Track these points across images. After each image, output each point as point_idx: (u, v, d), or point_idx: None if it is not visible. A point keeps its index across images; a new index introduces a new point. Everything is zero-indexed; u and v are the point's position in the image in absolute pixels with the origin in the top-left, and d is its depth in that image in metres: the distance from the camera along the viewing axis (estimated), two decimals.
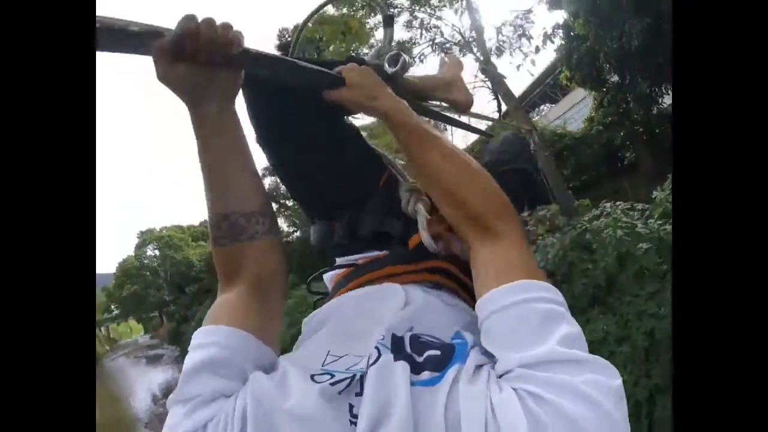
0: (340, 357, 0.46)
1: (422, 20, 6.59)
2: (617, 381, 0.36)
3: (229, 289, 0.52)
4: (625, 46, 4.95)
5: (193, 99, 0.49)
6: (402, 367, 0.40)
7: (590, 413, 0.34)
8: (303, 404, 0.38)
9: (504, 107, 6.59)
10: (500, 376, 0.39)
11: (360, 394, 0.39)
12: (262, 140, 0.70)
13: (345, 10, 6.81)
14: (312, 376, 0.41)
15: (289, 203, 13.99)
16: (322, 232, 0.72)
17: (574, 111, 11.21)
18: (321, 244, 0.73)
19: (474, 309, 0.51)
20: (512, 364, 0.39)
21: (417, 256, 0.62)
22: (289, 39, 10.63)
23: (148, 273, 26.70)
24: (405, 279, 0.60)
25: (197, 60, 0.46)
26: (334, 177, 0.69)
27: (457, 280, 0.62)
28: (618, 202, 3.76)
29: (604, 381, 0.36)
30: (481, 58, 5.95)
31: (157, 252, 26.55)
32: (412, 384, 0.38)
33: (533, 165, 1.01)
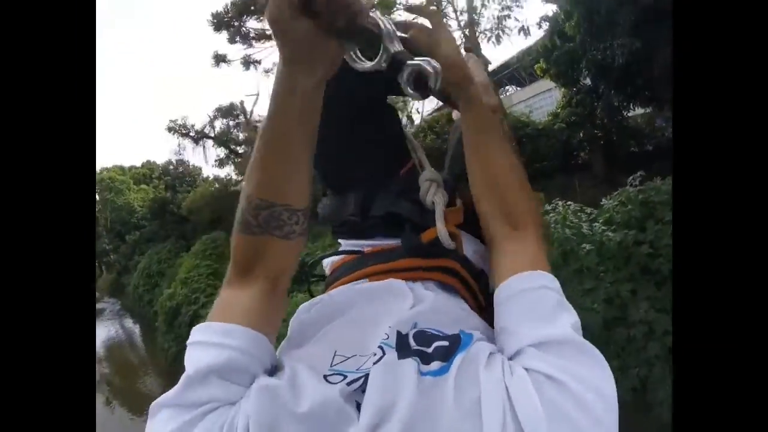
0: (348, 357, 0.45)
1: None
2: (609, 371, 0.39)
3: (245, 284, 0.49)
4: (608, 59, 5.06)
5: (300, 62, 0.43)
6: (409, 365, 0.40)
7: (601, 404, 0.36)
8: (322, 407, 0.37)
9: None
10: (512, 356, 0.42)
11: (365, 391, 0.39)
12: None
13: None
14: (325, 377, 0.41)
15: (240, 150, 13.32)
16: (333, 206, 0.71)
17: (538, 99, 11.48)
18: (330, 218, 0.71)
19: (477, 313, 0.56)
20: (529, 340, 0.41)
21: (431, 251, 0.60)
22: None
23: None
24: (416, 275, 0.58)
25: (324, 22, 0.40)
26: (359, 148, 0.68)
27: (466, 284, 0.61)
28: (569, 203, 3.96)
29: (605, 369, 0.39)
30: (467, 34, 5.82)
31: (96, 195, 24.50)
32: (423, 374, 0.39)
33: None
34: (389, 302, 0.54)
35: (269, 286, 0.49)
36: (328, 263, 0.69)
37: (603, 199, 3.92)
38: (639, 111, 6.96)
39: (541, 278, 0.47)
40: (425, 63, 0.46)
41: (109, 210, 21.77)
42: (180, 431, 0.36)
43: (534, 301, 0.45)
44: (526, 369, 0.38)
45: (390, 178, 0.68)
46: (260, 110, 12.72)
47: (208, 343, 0.42)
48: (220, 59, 10.19)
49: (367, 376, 0.39)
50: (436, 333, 0.46)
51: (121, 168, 25.02)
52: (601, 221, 3.63)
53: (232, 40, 9.51)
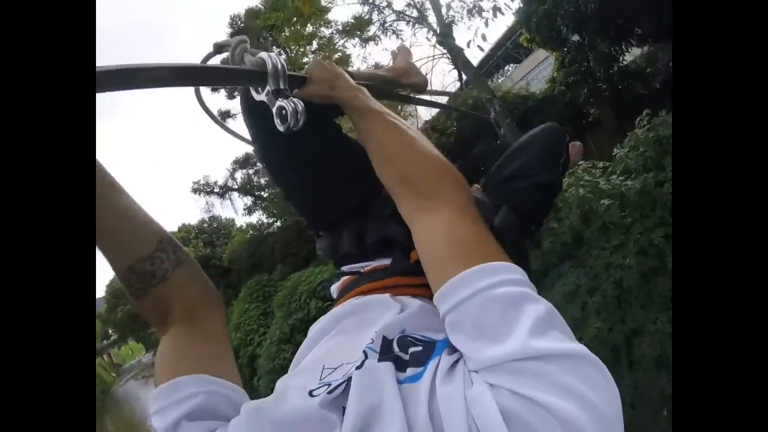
0: (336, 368, 0.45)
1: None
2: (602, 374, 0.33)
3: (169, 334, 0.51)
4: (582, 8, 4.97)
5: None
6: (386, 368, 0.38)
7: (583, 413, 0.30)
8: (303, 421, 0.37)
9: (465, 77, 6.58)
10: (471, 372, 0.37)
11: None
12: (262, 159, 0.74)
13: None
14: (310, 392, 0.40)
15: (264, 194, 13.87)
16: (328, 244, 0.74)
17: (538, 71, 11.27)
18: (329, 256, 0.74)
19: None
20: (482, 363, 0.36)
21: (418, 270, 0.56)
22: (242, 25, 10.27)
23: None
24: (405, 291, 0.59)
25: None
26: (333, 186, 0.71)
27: None
28: (580, 162, 3.87)
29: (590, 374, 0.33)
30: (438, 30, 5.88)
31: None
32: (399, 382, 0.37)
33: (559, 170, 0.95)
34: (376, 312, 0.54)
35: (184, 324, 0.50)
36: (334, 289, 0.71)
37: (615, 149, 3.79)
38: (636, 52, 6.72)
39: (473, 281, 0.39)
40: (290, 103, 0.56)
41: None
42: None
43: (471, 317, 0.38)
44: (490, 384, 0.34)
45: (372, 201, 0.69)
46: None
47: (159, 411, 0.44)
48: (224, 116, 10.76)
49: (350, 379, 0.39)
50: (417, 338, 0.45)
51: None
52: (618, 172, 3.52)
53: (230, 96, 10.03)
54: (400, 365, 0.40)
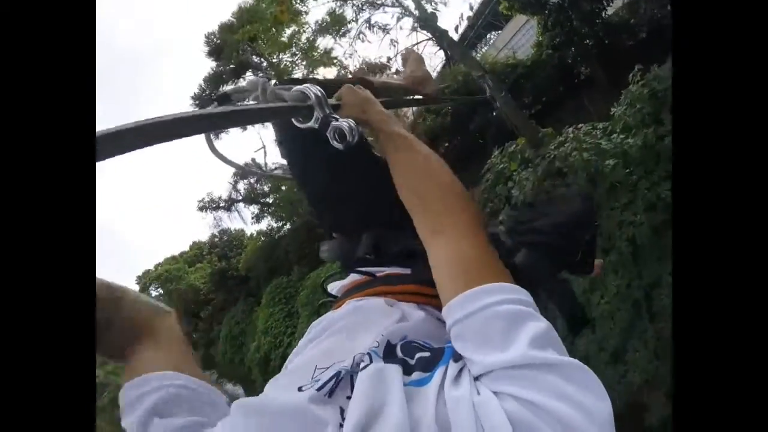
0: (327, 368, 0.45)
1: None
2: (596, 383, 0.36)
3: (130, 358, 0.53)
4: None
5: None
6: (394, 370, 0.40)
7: (582, 416, 0.33)
8: (292, 413, 0.38)
9: (451, 54, 6.56)
10: (476, 378, 0.39)
11: (351, 397, 0.39)
12: (289, 161, 0.79)
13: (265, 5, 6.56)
14: (299, 388, 0.41)
15: (270, 200, 13.99)
16: (342, 247, 0.75)
17: (520, 36, 11.11)
18: (340, 258, 0.76)
19: None
20: (486, 368, 0.38)
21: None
22: (218, 42, 10.21)
23: None
24: (414, 299, 0.60)
25: None
26: (362, 192, 0.73)
27: None
28: (580, 125, 3.90)
29: (586, 383, 0.35)
30: (417, 14, 5.85)
31: (160, 290, 26.43)
32: (405, 384, 0.39)
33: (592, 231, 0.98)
34: (375, 315, 0.55)
35: (147, 337, 0.53)
36: (336, 286, 0.72)
37: (612, 108, 3.82)
38: (618, 4, 6.63)
39: (479, 297, 0.42)
40: (344, 123, 0.62)
41: (176, 297, 23.46)
42: None
43: (476, 328, 0.41)
44: (494, 392, 0.37)
45: (395, 212, 0.69)
46: (273, 159, 13.34)
47: (127, 405, 0.45)
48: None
49: (339, 373, 0.40)
50: (423, 344, 0.47)
51: (173, 258, 26.82)
52: (618, 130, 3.56)
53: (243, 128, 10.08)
54: (407, 369, 0.41)
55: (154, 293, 27.06)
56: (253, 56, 10.07)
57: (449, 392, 0.37)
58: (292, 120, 0.66)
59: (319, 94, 0.64)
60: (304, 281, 9.02)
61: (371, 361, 0.41)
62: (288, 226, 13.31)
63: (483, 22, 12.85)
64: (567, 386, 0.35)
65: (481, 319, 0.41)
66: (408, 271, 0.65)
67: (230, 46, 9.27)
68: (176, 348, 0.54)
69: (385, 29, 6.17)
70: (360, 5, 5.97)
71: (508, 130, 5.03)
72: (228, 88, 0.71)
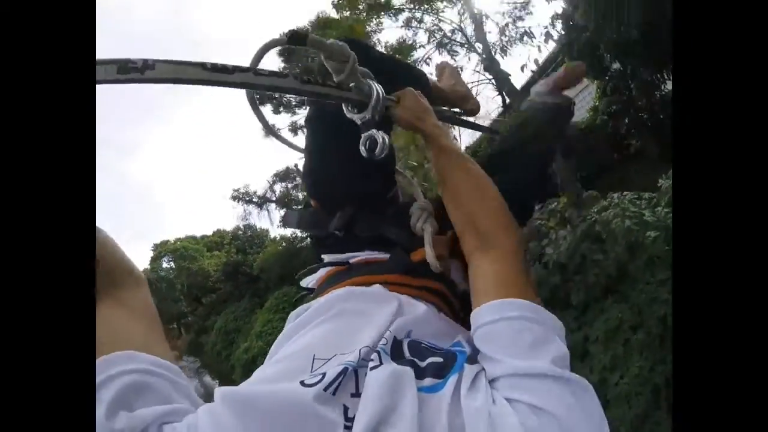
0: (329, 359, 0.44)
1: (422, 18, 6.65)
2: (598, 403, 0.39)
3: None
4: (624, 35, 4.96)
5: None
6: (408, 375, 0.40)
7: (586, 425, 0.36)
8: (287, 404, 0.37)
9: (508, 101, 6.64)
10: (492, 381, 0.41)
11: (356, 395, 0.39)
12: (312, 132, 0.79)
13: (348, 14, 6.88)
14: (302, 382, 0.40)
15: (301, 209, 14.21)
16: (316, 219, 0.75)
17: (578, 99, 11.17)
18: (311, 228, 0.76)
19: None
20: (509, 369, 0.40)
21: (419, 271, 0.62)
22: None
23: (164, 285, 27.16)
24: (403, 291, 0.60)
25: None
26: (352, 167, 0.71)
27: (451, 307, 0.64)
28: (625, 193, 3.81)
29: (593, 399, 0.38)
30: (484, 56, 6.00)
31: (172, 264, 26.95)
32: (417, 389, 0.39)
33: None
34: (371, 304, 0.54)
35: (111, 301, 0.46)
36: (311, 280, 0.72)
37: (660, 180, 3.73)
38: None
39: (518, 308, 0.45)
40: (380, 136, 0.62)
41: (185, 276, 23.81)
42: None
43: (509, 332, 0.43)
44: (508, 399, 0.38)
45: (377, 198, 0.72)
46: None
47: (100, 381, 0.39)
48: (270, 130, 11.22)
49: (346, 369, 0.40)
50: (431, 347, 0.47)
51: (194, 237, 27.43)
52: (663, 204, 3.45)
53: (276, 111, 10.49)
54: (417, 372, 0.41)
55: (165, 264, 27.71)
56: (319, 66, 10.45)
57: (466, 402, 0.38)
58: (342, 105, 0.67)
59: (381, 95, 0.65)
60: (312, 297, 8.94)
61: (381, 362, 0.41)
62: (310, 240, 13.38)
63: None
64: (579, 400, 0.37)
65: (516, 326, 0.43)
66: (385, 257, 0.65)
67: (300, 51, 9.72)
68: (147, 319, 0.49)
69: (452, 55, 6.29)
70: (432, 32, 6.16)
71: (553, 184, 4.98)
72: (313, 36, 0.64)
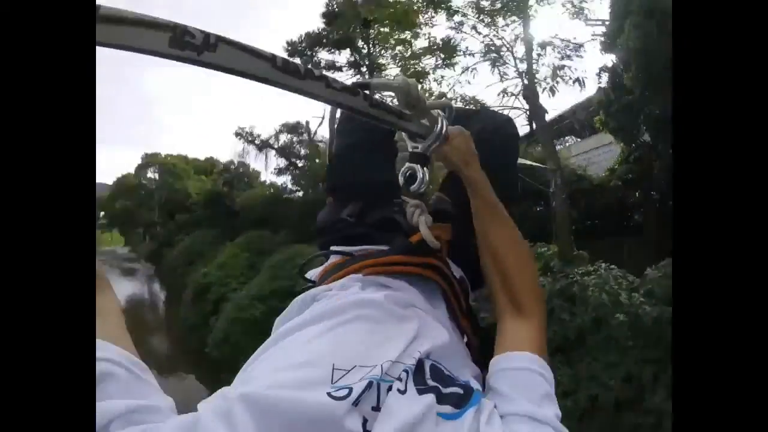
0: (348, 370, 0.45)
1: (476, 27, 6.48)
2: None
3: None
4: (665, 113, 4.91)
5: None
6: (429, 400, 0.43)
7: None
8: (316, 415, 0.38)
9: (533, 128, 6.57)
10: (502, 415, 0.46)
11: (376, 408, 0.41)
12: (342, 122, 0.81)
13: None
14: (329, 394, 0.41)
15: (300, 163, 14.05)
16: (331, 209, 0.78)
17: (598, 152, 11.12)
18: (325, 221, 0.78)
19: (457, 312, 0.65)
20: (523, 410, 0.46)
21: (419, 251, 0.65)
22: (336, 9, 10.42)
23: (143, 192, 26.80)
24: (403, 270, 0.63)
25: None
26: (370, 166, 0.75)
27: (451, 286, 0.67)
28: (612, 267, 3.84)
29: None
30: (526, 82, 5.88)
31: (157, 176, 26.60)
32: (437, 414, 0.42)
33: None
34: (388, 317, 0.54)
35: None
36: (315, 273, 0.72)
37: (648, 269, 3.78)
38: None
39: (540, 366, 0.51)
40: (422, 174, 0.62)
41: (166, 189, 23.55)
42: None
43: (530, 380, 0.50)
44: None
45: (387, 189, 0.73)
46: (323, 131, 13.60)
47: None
48: (331, 67, 10.97)
49: (371, 384, 0.42)
50: (451, 376, 0.50)
51: (185, 158, 27.04)
52: (641, 292, 3.50)
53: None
54: (439, 398, 0.44)
55: (150, 175, 27.27)
56: (359, 40, 10.23)
57: (485, 429, 0.42)
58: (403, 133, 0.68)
59: (444, 133, 0.65)
60: (286, 247, 8.95)
61: (406, 387, 0.44)
62: (300, 194, 13.31)
63: (568, 125, 12.91)
64: None
65: (538, 379, 0.50)
66: (386, 248, 0.67)
67: (345, 19, 9.43)
68: (114, 320, 0.52)
69: (502, 74, 6.16)
70: (488, 46, 6.00)
71: (548, 230, 4.98)
72: (375, 80, 0.67)
